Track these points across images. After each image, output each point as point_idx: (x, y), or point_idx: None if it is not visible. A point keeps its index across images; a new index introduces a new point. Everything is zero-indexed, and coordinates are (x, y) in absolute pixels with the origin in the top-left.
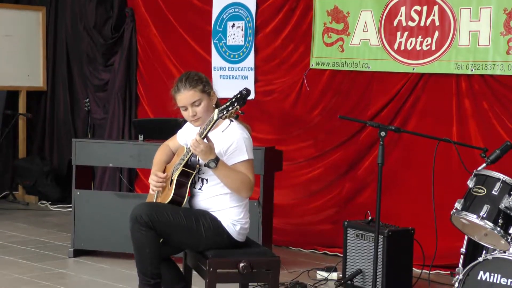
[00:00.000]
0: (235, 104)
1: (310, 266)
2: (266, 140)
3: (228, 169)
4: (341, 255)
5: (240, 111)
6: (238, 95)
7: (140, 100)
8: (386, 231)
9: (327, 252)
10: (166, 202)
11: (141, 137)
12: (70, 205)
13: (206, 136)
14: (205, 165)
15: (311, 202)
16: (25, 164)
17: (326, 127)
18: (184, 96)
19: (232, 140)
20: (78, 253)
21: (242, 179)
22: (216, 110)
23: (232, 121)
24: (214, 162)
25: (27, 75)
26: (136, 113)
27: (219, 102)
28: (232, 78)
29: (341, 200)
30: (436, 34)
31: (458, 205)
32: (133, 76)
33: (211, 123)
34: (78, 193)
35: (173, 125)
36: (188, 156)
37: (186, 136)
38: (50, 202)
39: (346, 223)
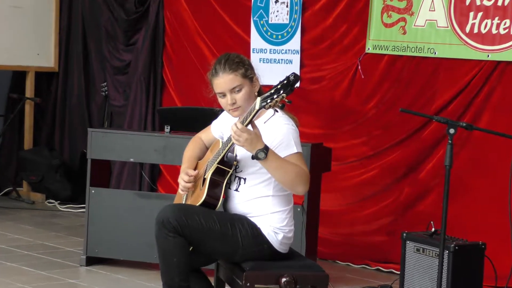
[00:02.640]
0: (281, 91)
1: (360, 284)
2: (312, 135)
3: (280, 160)
4: (398, 272)
5: (286, 100)
6: (285, 81)
7: (166, 86)
8: (453, 245)
9: (381, 268)
10: (197, 205)
11: (167, 128)
12: (83, 205)
13: (250, 123)
14: (252, 157)
15: (363, 209)
16: (32, 156)
17: (382, 121)
18: (223, 81)
19: (277, 132)
20: (91, 261)
21: (297, 170)
22: (259, 98)
23: (277, 111)
24: (263, 152)
25: (36, 53)
26: (161, 100)
27: (262, 90)
28: (274, 62)
29: (398, 207)
30: None
31: None
32: (159, 58)
33: (253, 113)
34: (93, 191)
35: (207, 115)
36: (224, 151)
37: (223, 128)
38: (59, 201)
39: (404, 234)
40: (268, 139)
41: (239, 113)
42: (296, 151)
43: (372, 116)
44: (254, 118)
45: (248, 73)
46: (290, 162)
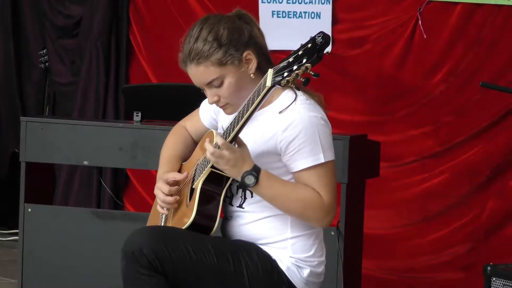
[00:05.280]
0: (304, 59)
1: None
2: (351, 124)
3: (278, 185)
4: None
5: (311, 72)
6: (309, 45)
7: (136, 54)
8: None
9: None
10: (183, 228)
11: (137, 116)
12: (15, 230)
13: (235, 136)
14: (238, 186)
15: (427, 233)
16: None
17: (455, 102)
18: (193, 74)
19: (297, 130)
20: None
21: (307, 201)
22: (271, 71)
23: (298, 89)
24: (252, 176)
25: None
26: (128, 76)
27: (271, 60)
28: (294, 17)
29: (480, 230)
30: None
31: None
32: (123, 13)
33: (260, 97)
34: (29, 209)
35: (194, 95)
36: None
37: (216, 112)
38: None
39: (489, 268)
40: (283, 140)
41: (231, 110)
42: (323, 160)
43: (439, 95)
44: (262, 102)
45: (229, 54)
46: (296, 188)
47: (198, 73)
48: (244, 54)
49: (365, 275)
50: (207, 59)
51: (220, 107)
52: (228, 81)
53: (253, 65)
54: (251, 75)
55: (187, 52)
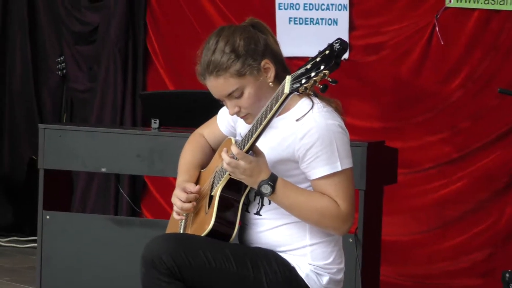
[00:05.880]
0: (321, 66)
1: None
2: (368, 130)
3: (295, 194)
4: None
5: (329, 79)
6: (327, 51)
7: (153, 60)
8: None
9: None
10: (202, 235)
11: (155, 123)
12: (33, 237)
13: (252, 145)
14: (256, 193)
15: (445, 239)
16: None
17: (472, 108)
18: (212, 86)
19: (314, 138)
20: None
21: (323, 210)
22: (289, 78)
23: (316, 96)
24: (269, 185)
25: None
26: (145, 82)
27: (288, 67)
28: (311, 23)
29: (498, 236)
30: None
31: None
32: (141, 19)
33: (278, 104)
34: (47, 217)
35: (212, 102)
36: None
37: (234, 119)
38: None
39: (507, 275)
40: (301, 148)
41: (252, 119)
42: (340, 168)
43: (457, 101)
44: (279, 110)
45: (247, 65)
46: (312, 197)
47: (217, 85)
48: (262, 63)
49: (384, 282)
50: (226, 70)
51: (241, 117)
52: (248, 92)
53: (271, 73)
54: (270, 83)
55: (205, 65)
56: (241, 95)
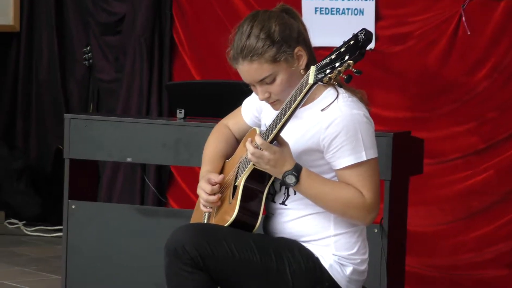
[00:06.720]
0: (346, 56)
1: None
2: (394, 120)
3: (320, 184)
4: None
5: (353, 69)
6: (351, 42)
7: (179, 50)
8: None
9: None
10: (225, 225)
11: (180, 113)
12: (59, 227)
13: (276, 135)
14: (280, 183)
15: (471, 230)
16: None
17: (499, 98)
18: (245, 70)
19: (339, 128)
20: None
21: (346, 199)
22: (314, 68)
23: (341, 86)
24: (293, 175)
25: None
26: (171, 72)
27: (315, 57)
28: (337, 13)
29: None
30: None
31: None
32: (167, 9)
33: (302, 94)
34: (73, 206)
35: (238, 92)
36: None
37: (259, 110)
38: (24, 222)
39: None
40: (326, 138)
41: (280, 105)
42: (365, 158)
43: (483, 91)
44: (303, 101)
45: (282, 51)
46: (336, 187)
47: (251, 70)
48: (296, 50)
49: (409, 272)
50: (261, 56)
51: (270, 103)
52: (280, 78)
53: (303, 61)
54: (301, 71)
55: (239, 49)
56: (273, 81)
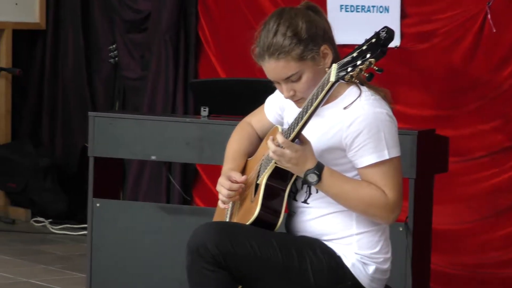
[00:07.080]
0: (367, 54)
1: None
2: (419, 118)
3: (342, 183)
4: None
5: (375, 67)
6: (373, 40)
7: (204, 48)
8: None
9: None
10: (247, 223)
11: (204, 111)
12: (84, 225)
13: (298, 133)
14: (302, 182)
15: (498, 228)
16: (9, 155)
17: None
18: (271, 68)
19: (362, 126)
20: None
21: (369, 198)
22: (335, 66)
23: (363, 85)
24: (315, 174)
25: (14, 3)
26: (197, 70)
27: (339, 55)
28: (362, 11)
29: None
30: None
31: None
32: (192, 7)
33: (324, 92)
34: (97, 204)
35: (262, 90)
36: None
37: (282, 109)
38: (50, 220)
39: None
40: (348, 136)
41: (303, 103)
42: (387, 157)
43: (509, 89)
44: (325, 99)
45: (309, 49)
46: (358, 186)
47: (277, 68)
48: (322, 48)
49: (434, 271)
50: (288, 54)
51: (295, 101)
52: (306, 76)
53: (329, 59)
54: (326, 69)
55: (265, 46)
56: (298, 79)
